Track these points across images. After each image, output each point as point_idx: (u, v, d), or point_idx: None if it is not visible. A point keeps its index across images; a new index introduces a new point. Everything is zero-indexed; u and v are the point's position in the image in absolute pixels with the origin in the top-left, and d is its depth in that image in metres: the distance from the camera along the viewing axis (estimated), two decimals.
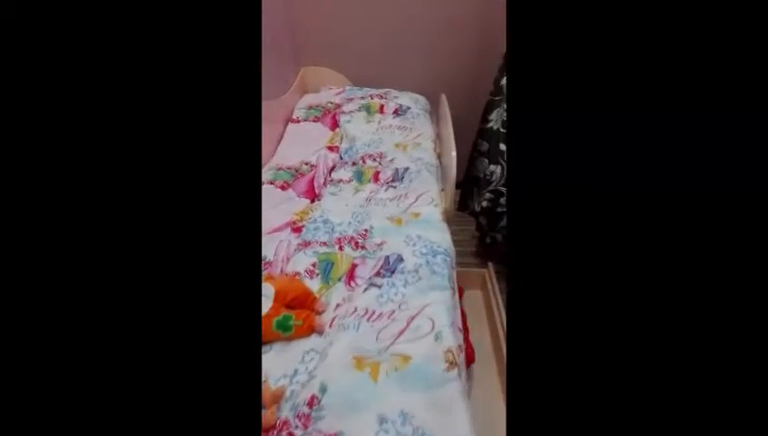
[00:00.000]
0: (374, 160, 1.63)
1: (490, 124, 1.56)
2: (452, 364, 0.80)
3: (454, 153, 1.92)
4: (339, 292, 1.02)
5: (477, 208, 1.66)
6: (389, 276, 1.04)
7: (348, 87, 2.14)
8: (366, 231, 1.23)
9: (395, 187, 1.48)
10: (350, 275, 1.07)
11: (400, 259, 1.10)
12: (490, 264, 1.80)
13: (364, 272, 1.06)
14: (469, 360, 1.36)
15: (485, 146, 1.59)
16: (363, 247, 1.17)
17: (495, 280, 1.72)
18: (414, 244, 1.16)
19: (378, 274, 1.05)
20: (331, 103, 2.01)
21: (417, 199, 1.38)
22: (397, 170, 1.56)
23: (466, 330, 1.46)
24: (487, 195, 1.61)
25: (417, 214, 1.30)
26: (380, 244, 1.18)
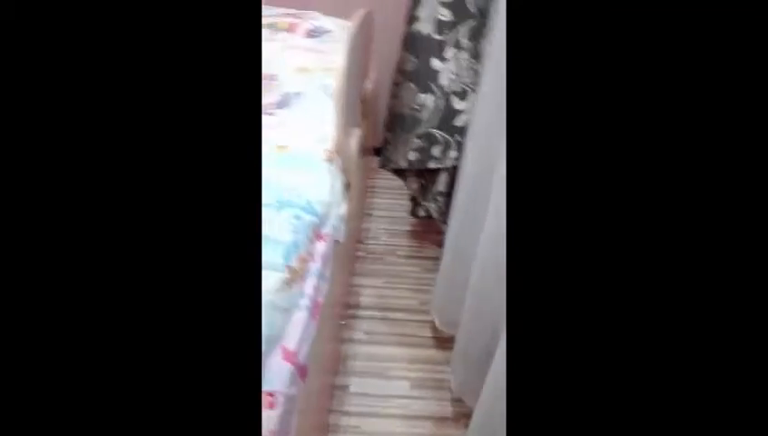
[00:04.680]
0: None
1: (418, 27, 1.06)
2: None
3: (369, 85, 1.41)
4: None
5: (402, 162, 1.17)
6: None
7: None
8: None
9: (273, 114, 0.97)
10: None
11: None
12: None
13: None
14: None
15: (411, 63, 1.09)
16: None
17: None
18: None
19: None
20: None
21: (294, 130, 0.88)
22: (286, 95, 1.06)
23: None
24: (416, 142, 1.13)
25: (283, 148, 0.80)
26: None
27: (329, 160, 0.81)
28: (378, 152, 1.59)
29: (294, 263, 0.56)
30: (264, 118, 0.97)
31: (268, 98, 1.05)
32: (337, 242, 0.79)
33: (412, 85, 1.09)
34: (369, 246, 1.47)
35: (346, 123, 0.93)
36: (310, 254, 0.63)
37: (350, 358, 1.08)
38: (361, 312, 1.21)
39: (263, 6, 1.60)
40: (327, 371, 0.96)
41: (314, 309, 0.61)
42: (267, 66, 1.22)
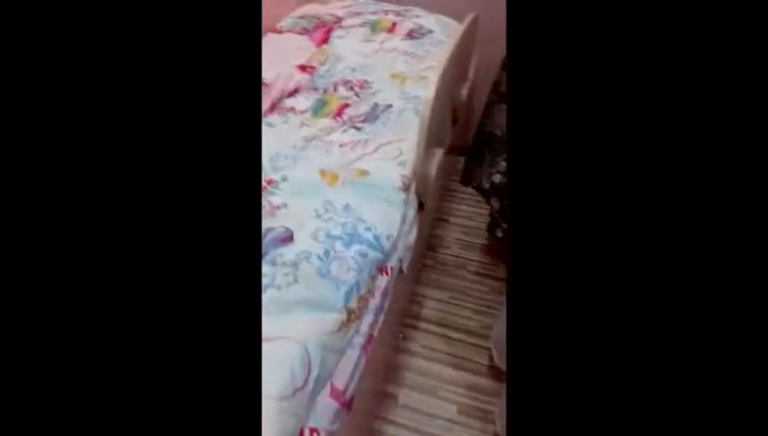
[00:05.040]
0: (350, 89, 1.15)
1: None
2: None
3: (465, 91, 1.35)
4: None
5: (486, 183, 1.12)
6: None
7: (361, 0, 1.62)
8: (269, 182, 0.79)
9: (359, 129, 1.00)
10: None
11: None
12: None
13: None
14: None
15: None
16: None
17: None
18: (330, 218, 0.71)
19: None
20: (332, 15, 1.51)
21: (376, 149, 0.90)
22: (375, 106, 1.08)
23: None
24: (503, 164, 1.07)
25: (363, 173, 0.82)
26: (277, 208, 0.73)
27: (406, 188, 0.82)
28: (462, 152, 1.55)
29: (353, 304, 0.59)
30: (352, 132, 1.00)
31: (358, 108, 1.07)
32: (401, 271, 0.80)
33: (506, 107, 1.02)
34: (440, 255, 1.46)
35: (429, 145, 0.92)
36: (371, 292, 0.66)
37: (403, 368, 1.12)
38: (421, 325, 1.23)
39: (366, 1, 1.61)
40: (379, 375, 1.00)
41: (367, 345, 0.64)
42: (362, 71, 1.24)
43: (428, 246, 1.47)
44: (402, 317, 1.21)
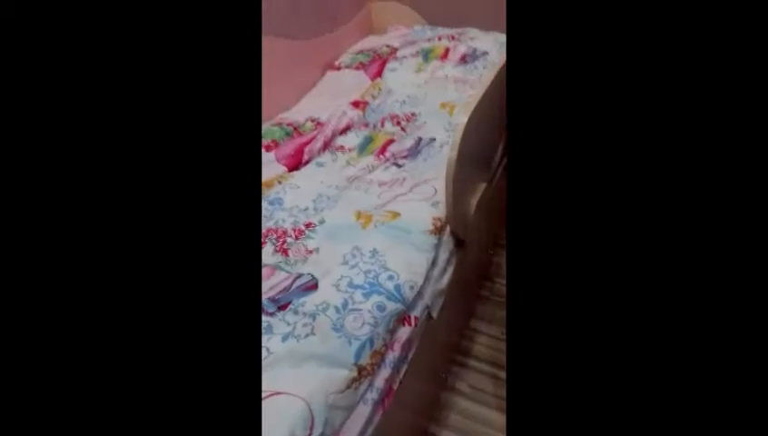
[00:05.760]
0: (396, 123, 1.17)
1: None
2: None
3: None
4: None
5: None
6: None
7: (417, 27, 1.64)
8: (308, 225, 0.84)
9: (400, 166, 1.01)
10: None
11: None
12: None
13: None
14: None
15: None
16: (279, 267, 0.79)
17: None
18: (356, 265, 0.72)
19: None
20: (388, 46, 1.55)
21: (411, 189, 0.90)
22: (419, 142, 1.08)
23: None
24: None
25: (395, 215, 0.83)
26: (310, 252, 0.77)
27: (438, 231, 0.80)
28: None
29: (365, 361, 0.60)
30: (393, 170, 1.01)
31: (402, 144, 1.08)
32: (430, 318, 0.79)
33: None
34: (497, 286, 1.38)
35: (468, 181, 0.89)
36: (388, 345, 0.66)
37: (447, 408, 1.08)
38: (470, 362, 1.18)
39: (423, 27, 1.62)
40: (421, 413, 0.98)
41: (383, 399, 0.64)
42: (411, 103, 1.25)
43: (483, 275, 1.40)
44: (451, 352, 1.17)
